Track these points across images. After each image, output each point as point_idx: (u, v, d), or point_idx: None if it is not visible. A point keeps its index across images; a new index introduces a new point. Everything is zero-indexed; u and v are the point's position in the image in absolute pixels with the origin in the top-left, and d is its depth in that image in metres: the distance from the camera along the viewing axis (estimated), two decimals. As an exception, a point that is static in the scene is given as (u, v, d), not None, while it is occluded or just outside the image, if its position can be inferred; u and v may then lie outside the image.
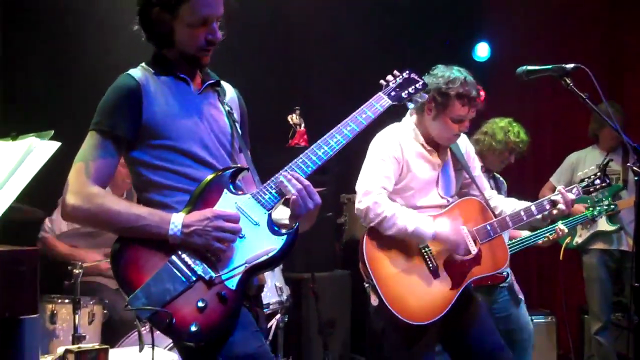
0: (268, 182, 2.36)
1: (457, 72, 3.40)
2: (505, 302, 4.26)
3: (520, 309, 4.31)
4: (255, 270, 2.28)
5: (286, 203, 2.37)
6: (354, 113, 2.48)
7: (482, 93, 3.52)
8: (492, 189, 4.00)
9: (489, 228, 3.42)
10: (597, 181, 3.55)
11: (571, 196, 3.42)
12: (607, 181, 3.57)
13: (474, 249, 3.35)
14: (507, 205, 3.58)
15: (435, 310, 3.27)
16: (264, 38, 5.96)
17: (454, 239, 3.31)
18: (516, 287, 4.33)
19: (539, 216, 3.48)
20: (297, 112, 5.63)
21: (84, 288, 4.03)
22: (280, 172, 2.36)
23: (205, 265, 2.21)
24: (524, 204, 3.53)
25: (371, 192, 3.33)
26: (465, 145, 3.68)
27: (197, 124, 2.37)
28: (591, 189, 3.56)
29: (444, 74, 3.40)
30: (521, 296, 4.36)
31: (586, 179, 3.58)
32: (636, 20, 6.33)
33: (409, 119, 3.53)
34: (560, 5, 6.73)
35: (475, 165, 3.72)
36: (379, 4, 6.58)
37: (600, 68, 6.21)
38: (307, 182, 2.33)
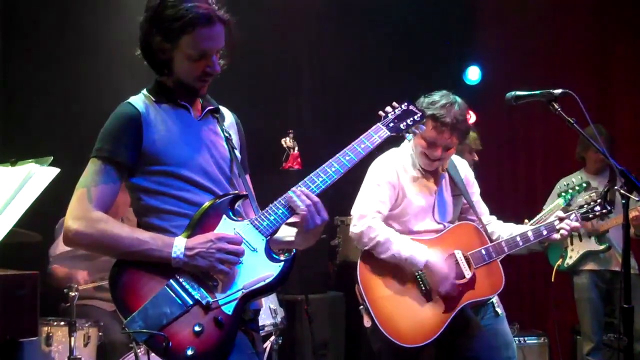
0: (271, 205, 2.39)
1: (444, 97, 3.40)
2: (490, 319, 4.25)
3: (503, 324, 4.30)
4: (252, 296, 2.30)
5: (288, 223, 2.41)
6: (352, 143, 2.51)
7: (461, 126, 3.45)
8: None
9: (483, 252, 3.45)
10: (597, 208, 3.52)
11: (574, 224, 3.44)
12: (608, 207, 3.54)
13: (468, 274, 3.39)
14: (505, 230, 3.60)
15: (427, 333, 3.30)
16: (257, 61, 6.01)
17: (444, 274, 3.32)
18: (495, 299, 4.33)
19: (535, 241, 3.51)
20: (291, 135, 5.67)
21: (79, 311, 4.05)
22: (288, 191, 2.38)
23: (203, 290, 2.24)
24: (522, 228, 3.55)
25: (366, 216, 3.37)
26: (465, 171, 3.71)
27: (197, 150, 2.41)
28: (590, 216, 3.54)
29: (434, 97, 3.41)
30: (500, 310, 4.35)
31: (585, 205, 3.55)
32: (627, 45, 6.40)
33: (407, 145, 3.56)
34: (550, 30, 6.82)
35: (475, 190, 3.74)
36: (372, 29, 6.65)
37: (592, 90, 6.30)
38: (316, 199, 2.37)
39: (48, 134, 4.94)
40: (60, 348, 4.08)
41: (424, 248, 3.36)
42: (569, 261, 5.37)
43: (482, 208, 3.75)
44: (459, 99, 3.44)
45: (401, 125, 2.64)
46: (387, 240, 3.31)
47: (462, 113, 3.40)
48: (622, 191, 2.93)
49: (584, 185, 4.67)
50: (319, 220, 2.38)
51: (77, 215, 2.26)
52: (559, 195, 4.74)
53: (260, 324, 4.12)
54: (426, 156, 3.45)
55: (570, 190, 4.68)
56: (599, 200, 3.52)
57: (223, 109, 2.62)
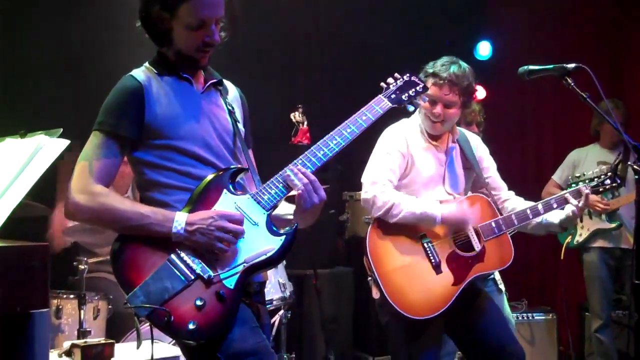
0: (271, 179, 2.38)
1: (448, 58, 3.48)
2: (491, 294, 4.27)
3: (502, 300, 4.31)
4: (253, 270, 2.30)
5: (289, 199, 2.40)
6: (354, 115, 2.49)
7: (477, 89, 3.61)
8: None
9: (493, 225, 3.44)
10: (608, 181, 3.48)
11: (585, 190, 3.40)
12: (618, 181, 3.50)
13: (477, 246, 3.38)
14: (525, 206, 3.56)
15: (436, 306, 3.30)
16: (266, 36, 5.98)
17: (461, 217, 3.34)
18: (497, 276, 4.34)
19: (546, 215, 3.49)
20: (300, 109, 5.66)
21: (89, 283, 4.07)
22: (287, 167, 2.38)
23: (204, 265, 2.24)
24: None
25: (377, 182, 3.37)
26: (476, 144, 3.70)
27: (200, 123, 2.40)
28: (600, 189, 3.50)
29: (440, 58, 3.50)
30: (502, 286, 4.35)
31: (595, 178, 3.51)
32: (639, 20, 6.34)
33: (417, 115, 3.57)
34: (562, 4, 6.74)
35: (488, 165, 3.70)
36: (382, 4, 6.59)
37: (603, 66, 6.24)
38: (313, 177, 2.36)
39: (56, 105, 4.93)
40: (70, 321, 4.11)
41: (436, 203, 3.37)
42: (579, 238, 5.36)
43: (498, 183, 3.71)
44: (463, 63, 3.50)
45: (403, 97, 2.63)
46: (400, 203, 3.32)
47: (463, 72, 3.45)
48: (635, 167, 2.91)
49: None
50: (317, 199, 2.36)
51: (78, 188, 2.26)
52: (569, 186, 4.73)
53: (269, 298, 4.15)
54: (429, 118, 3.48)
55: (580, 183, 4.67)
56: (609, 174, 3.48)
57: (227, 83, 2.61)
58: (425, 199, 3.41)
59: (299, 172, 2.35)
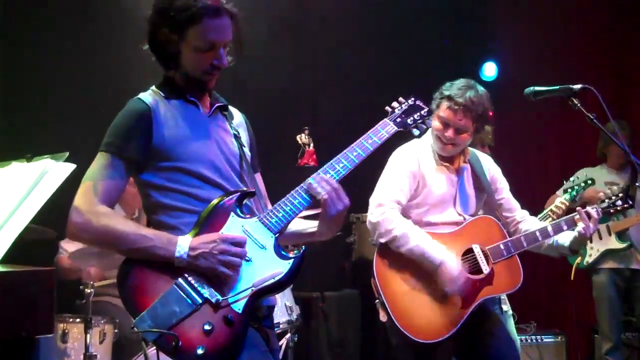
0: (289, 193, 2.38)
1: (465, 82, 3.45)
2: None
3: (509, 322, 4.27)
4: (262, 294, 2.28)
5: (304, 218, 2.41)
6: (360, 138, 2.50)
7: (488, 113, 3.52)
8: None
9: (502, 247, 3.41)
10: (619, 202, 3.47)
11: (594, 214, 3.37)
12: (630, 202, 3.49)
13: (486, 269, 3.36)
14: (539, 227, 3.52)
15: (443, 329, 3.28)
16: (272, 58, 6.01)
17: (452, 276, 3.26)
18: (503, 297, 4.30)
19: (556, 237, 3.47)
20: (306, 131, 5.67)
21: (95, 307, 4.06)
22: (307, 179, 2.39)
23: (212, 289, 2.22)
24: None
25: (384, 205, 3.35)
26: (488, 165, 3.67)
27: (207, 146, 2.40)
28: (611, 210, 3.48)
29: (457, 80, 3.47)
30: (506, 307, 4.31)
31: (607, 200, 3.50)
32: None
33: (428, 135, 3.54)
34: (567, 26, 6.77)
35: (503, 186, 3.68)
36: (387, 25, 6.62)
37: (609, 86, 6.24)
38: (336, 185, 2.37)
39: (63, 130, 4.95)
40: (76, 345, 4.10)
41: (442, 248, 3.32)
42: (589, 259, 5.33)
43: (512, 204, 3.68)
44: (481, 87, 3.47)
45: (408, 121, 2.63)
46: (404, 235, 3.29)
47: (479, 98, 3.41)
48: (642, 187, 2.90)
49: (589, 182, 4.65)
50: (341, 206, 2.37)
51: (82, 208, 2.25)
52: (565, 192, 4.71)
53: (276, 321, 4.11)
54: (440, 139, 3.45)
55: (575, 187, 4.65)
56: (620, 195, 3.46)
57: (232, 109, 2.61)
58: (430, 239, 3.34)
59: (321, 180, 2.36)
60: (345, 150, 2.46)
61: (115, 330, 4.27)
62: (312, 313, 5.32)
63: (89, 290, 3.92)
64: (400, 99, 2.68)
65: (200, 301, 2.20)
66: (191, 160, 2.35)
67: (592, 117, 2.94)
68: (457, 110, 3.38)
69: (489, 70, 7.10)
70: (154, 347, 2.21)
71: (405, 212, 3.42)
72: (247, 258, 2.27)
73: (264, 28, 5.54)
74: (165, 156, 2.34)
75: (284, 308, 4.30)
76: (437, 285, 3.32)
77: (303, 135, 5.66)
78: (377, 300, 3.39)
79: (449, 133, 3.41)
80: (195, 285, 2.21)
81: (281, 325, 4.29)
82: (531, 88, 3.12)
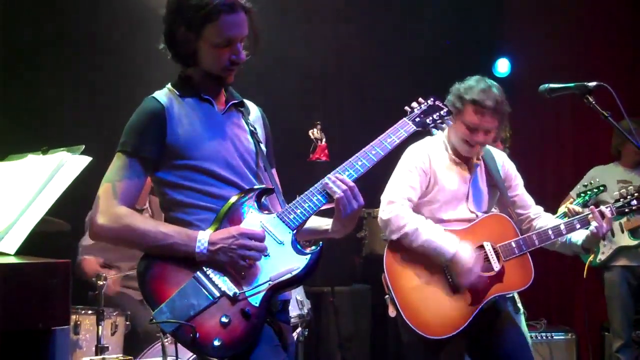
0: (306, 192, 2.41)
1: (481, 82, 3.41)
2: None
3: (520, 320, 4.26)
4: (279, 289, 2.32)
5: (319, 213, 2.45)
6: (379, 137, 2.52)
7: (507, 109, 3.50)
8: None
9: (514, 245, 3.41)
10: (634, 202, 3.43)
11: (607, 214, 3.35)
12: None
13: (496, 266, 3.35)
14: (554, 224, 3.50)
15: (453, 325, 3.28)
16: (285, 52, 6.01)
17: (467, 267, 3.25)
18: (515, 295, 4.29)
19: (570, 235, 3.45)
20: (318, 126, 5.67)
21: (107, 299, 4.08)
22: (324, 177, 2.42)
23: (230, 282, 2.26)
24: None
25: (395, 202, 3.35)
26: (502, 162, 3.65)
27: (221, 144, 2.43)
28: (626, 209, 3.45)
29: (469, 82, 3.43)
30: (520, 305, 4.31)
31: (621, 199, 3.46)
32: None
33: (440, 133, 3.53)
34: (581, 22, 6.73)
35: (517, 182, 3.66)
36: (400, 22, 6.61)
37: (624, 83, 6.20)
38: (352, 184, 2.41)
39: (79, 123, 4.99)
40: (88, 337, 4.12)
41: (455, 239, 3.32)
42: (602, 257, 5.31)
43: (526, 200, 3.66)
44: (494, 83, 3.45)
45: (427, 120, 2.64)
46: (415, 231, 3.28)
47: (502, 95, 3.40)
48: (656, 186, 2.88)
49: (602, 188, 4.63)
50: (356, 205, 2.41)
51: (102, 210, 2.30)
52: (578, 196, 4.70)
53: (287, 315, 4.14)
54: (467, 142, 3.42)
55: (588, 192, 4.64)
56: (636, 194, 3.44)
57: (248, 103, 2.63)
58: (442, 231, 3.34)
59: (337, 180, 2.40)
60: (364, 149, 2.49)
61: (127, 322, 4.29)
62: (322, 308, 5.34)
63: (101, 282, 3.94)
64: (420, 99, 2.69)
65: (218, 294, 2.24)
66: (204, 158, 2.38)
67: (607, 114, 2.93)
68: (485, 113, 3.35)
69: (502, 66, 7.08)
70: (171, 339, 2.24)
71: (418, 209, 3.42)
72: (265, 253, 2.30)
73: (277, 23, 5.54)
74: (179, 154, 2.37)
75: (295, 302, 4.32)
76: (447, 281, 3.32)
77: (315, 130, 5.67)
78: (387, 296, 3.39)
79: (479, 137, 3.38)
80: (214, 278, 2.26)
81: (292, 320, 4.29)
82: (546, 85, 3.11)
